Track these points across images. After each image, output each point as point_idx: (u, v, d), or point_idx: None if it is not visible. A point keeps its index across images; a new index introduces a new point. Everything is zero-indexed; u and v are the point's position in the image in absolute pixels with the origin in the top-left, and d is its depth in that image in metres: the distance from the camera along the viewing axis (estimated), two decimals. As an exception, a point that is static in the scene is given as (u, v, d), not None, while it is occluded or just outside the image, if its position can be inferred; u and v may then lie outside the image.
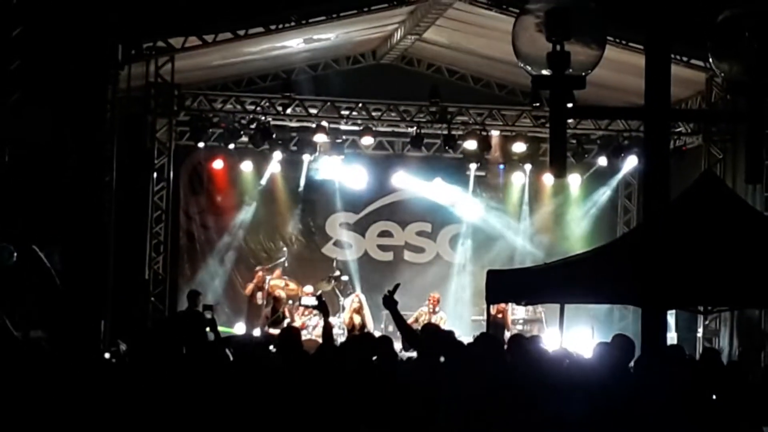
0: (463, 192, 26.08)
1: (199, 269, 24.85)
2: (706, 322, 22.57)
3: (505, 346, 10.22)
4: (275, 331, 19.75)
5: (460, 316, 24.10)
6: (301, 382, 8.83)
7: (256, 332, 21.45)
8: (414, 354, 10.65)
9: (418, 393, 8.52)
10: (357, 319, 21.99)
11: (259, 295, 22.99)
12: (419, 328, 11.51)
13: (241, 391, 8.67)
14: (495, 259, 25.53)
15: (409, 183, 25.78)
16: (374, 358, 9.89)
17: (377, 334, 15.09)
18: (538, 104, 23.86)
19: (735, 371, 11.84)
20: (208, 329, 12.52)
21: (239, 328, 22.60)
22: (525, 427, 8.06)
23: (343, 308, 22.70)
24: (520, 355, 9.79)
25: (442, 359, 9.14)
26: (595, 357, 9.74)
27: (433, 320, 21.28)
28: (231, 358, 10.25)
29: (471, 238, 26.26)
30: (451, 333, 10.54)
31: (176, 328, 10.25)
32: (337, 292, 23.51)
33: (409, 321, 19.01)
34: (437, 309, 22.56)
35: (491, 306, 18.29)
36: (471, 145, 24.52)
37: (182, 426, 8.46)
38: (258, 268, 23.99)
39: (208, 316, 12.83)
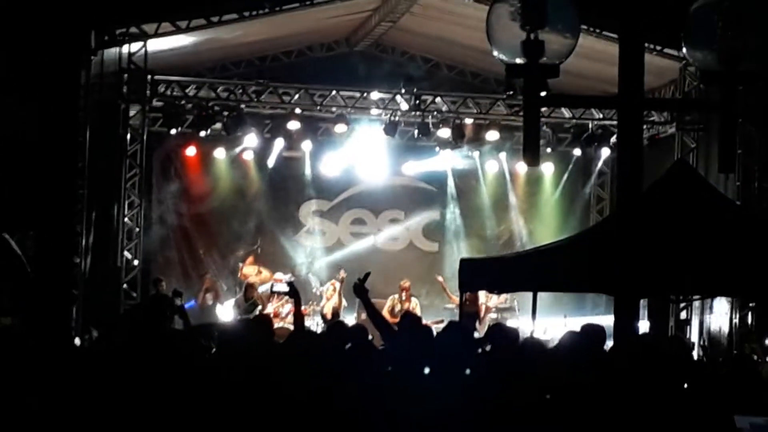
0: (439, 180, 26.16)
1: (171, 256, 24.77)
2: (678, 311, 22.65)
3: (477, 334, 10.20)
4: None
5: (432, 304, 24.06)
6: (271, 371, 8.78)
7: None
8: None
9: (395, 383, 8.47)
10: (335, 306, 21.99)
11: (209, 296, 22.90)
12: (395, 318, 11.41)
13: (224, 381, 8.58)
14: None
15: (382, 170, 25.72)
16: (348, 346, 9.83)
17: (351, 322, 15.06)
18: (511, 93, 23.81)
19: (705, 360, 11.91)
20: (176, 316, 12.38)
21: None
22: (504, 418, 8.06)
23: (320, 296, 22.62)
24: (498, 344, 9.79)
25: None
26: (563, 345, 9.76)
27: (406, 308, 21.24)
28: (212, 347, 10.12)
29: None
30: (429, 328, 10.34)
31: (143, 314, 10.12)
32: (311, 279, 23.47)
33: (383, 311, 19.00)
34: (407, 296, 22.44)
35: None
36: (445, 133, 24.53)
37: (154, 413, 8.41)
38: (205, 271, 24.08)
39: (178, 302, 12.65)
